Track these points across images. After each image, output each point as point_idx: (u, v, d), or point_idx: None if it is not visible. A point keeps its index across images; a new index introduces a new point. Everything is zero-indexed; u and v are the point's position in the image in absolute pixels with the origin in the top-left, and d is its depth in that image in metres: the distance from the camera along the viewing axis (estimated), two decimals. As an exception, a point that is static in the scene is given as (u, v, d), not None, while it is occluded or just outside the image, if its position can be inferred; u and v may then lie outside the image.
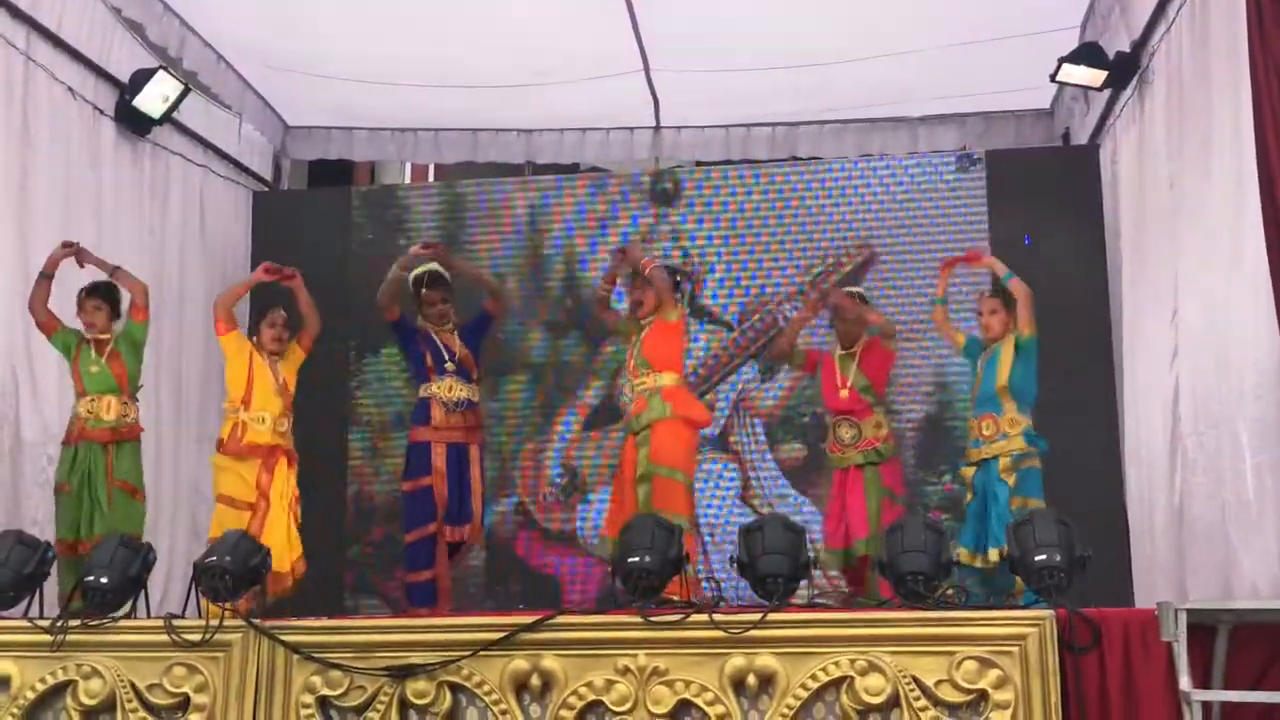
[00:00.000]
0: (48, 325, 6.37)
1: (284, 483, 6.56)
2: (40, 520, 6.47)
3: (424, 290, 6.90)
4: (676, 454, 6.48)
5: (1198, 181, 6.25)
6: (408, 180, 11.71)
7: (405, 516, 6.89)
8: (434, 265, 7.02)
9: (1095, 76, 7.78)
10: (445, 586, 6.71)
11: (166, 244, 8.38)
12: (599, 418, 9.11)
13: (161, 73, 7.89)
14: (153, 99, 7.91)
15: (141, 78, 7.84)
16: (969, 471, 6.52)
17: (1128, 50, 7.51)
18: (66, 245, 6.44)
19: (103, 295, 6.46)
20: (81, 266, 6.49)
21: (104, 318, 6.43)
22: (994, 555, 6.04)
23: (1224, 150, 5.68)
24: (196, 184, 8.90)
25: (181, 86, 8.02)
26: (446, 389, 6.74)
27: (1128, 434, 7.73)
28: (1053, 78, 7.95)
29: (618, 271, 7.04)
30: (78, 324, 6.46)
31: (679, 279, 7.10)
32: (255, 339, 6.83)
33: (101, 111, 7.76)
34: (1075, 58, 7.76)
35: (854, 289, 7.28)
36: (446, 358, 6.77)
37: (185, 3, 7.97)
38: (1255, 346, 5.18)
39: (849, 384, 6.71)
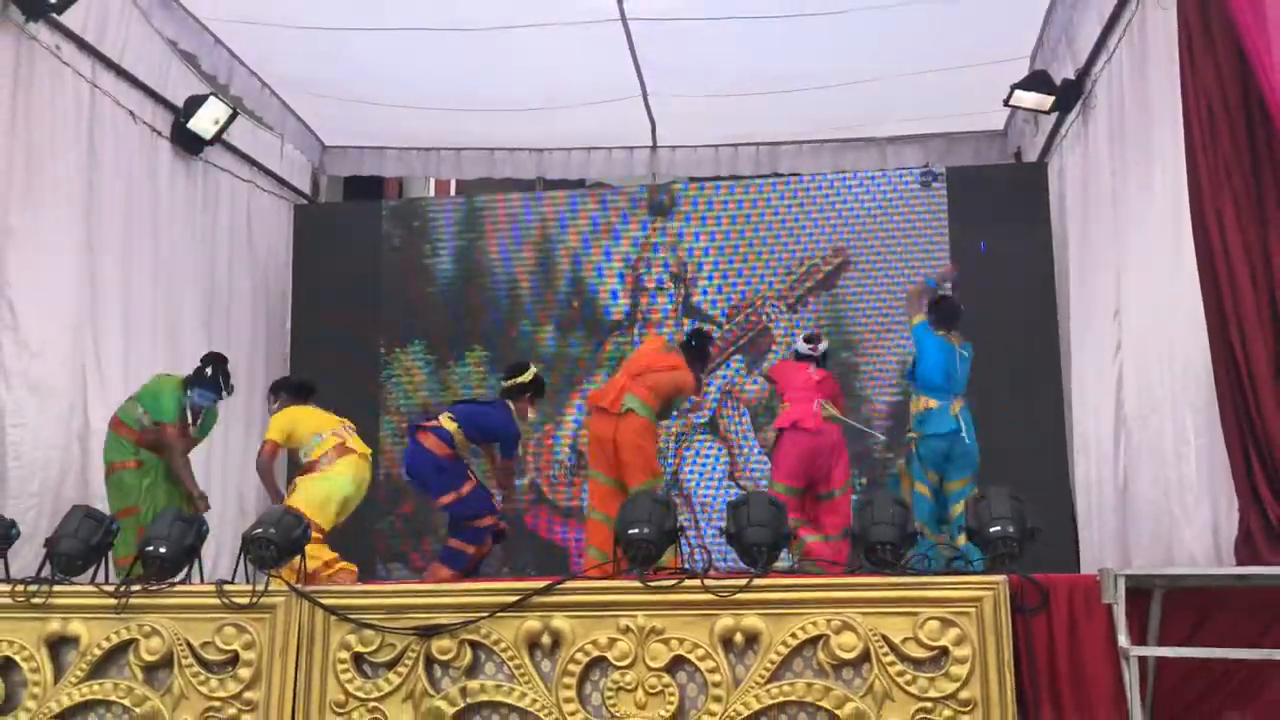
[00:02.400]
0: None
1: None
2: (105, 499, 6.48)
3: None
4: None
5: (1139, 193, 6.25)
6: (432, 194, 11.72)
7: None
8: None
9: (1044, 101, 7.79)
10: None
11: (217, 251, 8.39)
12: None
13: (212, 99, 7.91)
14: (204, 122, 7.94)
15: (194, 103, 7.87)
16: None
17: (1073, 77, 7.52)
18: None
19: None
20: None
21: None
22: None
23: (1165, 166, 5.68)
24: (244, 198, 8.91)
25: (230, 111, 8.04)
26: None
27: (1076, 421, 7.73)
28: (1006, 102, 7.95)
29: None
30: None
31: None
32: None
33: (159, 133, 7.78)
34: (1026, 84, 7.77)
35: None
36: None
37: (234, 36, 7.98)
38: (1191, 344, 5.16)
39: None
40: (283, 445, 6.59)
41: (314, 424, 6.57)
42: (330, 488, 6.35)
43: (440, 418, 6.66)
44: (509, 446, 6.83)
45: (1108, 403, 6.87)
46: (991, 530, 4.37)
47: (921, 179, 9.00)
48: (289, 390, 6.94)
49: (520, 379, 6.82)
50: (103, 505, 5.91)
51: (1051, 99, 7.73)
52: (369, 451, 6.67)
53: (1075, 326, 7.78)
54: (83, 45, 6.91)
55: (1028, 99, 7.84)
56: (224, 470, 8.08)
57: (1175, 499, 5.67)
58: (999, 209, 8.69)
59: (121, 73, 7.30)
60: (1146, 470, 6.14)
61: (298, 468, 6.71)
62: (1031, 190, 8.61)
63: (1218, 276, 4.71)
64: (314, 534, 5.67)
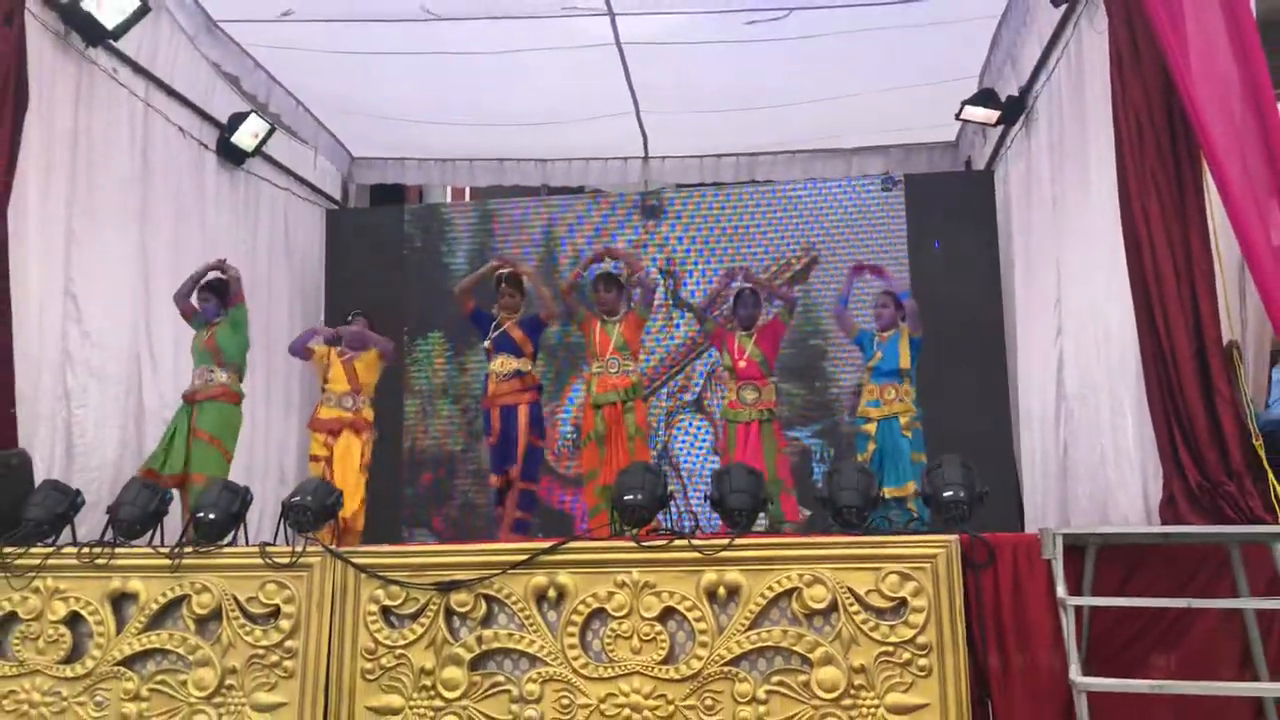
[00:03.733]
0: (186, 312, 6.47)
1: (345, 447, 6.59)
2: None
3: (504, 285, 6.86)
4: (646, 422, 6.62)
5: (1076, 196, 6.24)
6: (449, 200, 11.69)
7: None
8: (516, 268, 7.03)
9: (991, 115, 7.77)
10: (506, 520, 6.64)
11: (257, 252, 8.37)
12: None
13: (253, 115, 7.88)
14: (246, 136, 7.91)
15: (237, 119, 7.84)
16: (871, 427, 6.49)
17: (1016, 94, 7.50)
18: (218, 261, 6.53)
19: (210, 288, 6.47)
20: (225, 274, 6.50)
21: (212, 306, 6.44)
22: (912, 486, 6.08)
23: (1099, 171, 5.68)
24: (281, 204, 8.88)
25: (269, 126, 8.02)
26: (499, 365, 6.70)
27: (1021, 399, 7.71)
28: (957, 116, 7.93)
29: (588, 265, 6.99)
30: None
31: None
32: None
33: (205, 146, 7.74)
34: (975, 100, 7.76)
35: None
36: (494, 337, 6.75)
37: (272, 60, 7.96)
38: (1125, 330, 5.14)
39: (746, 356, 6.63)
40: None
41: None
42: None
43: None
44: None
45: (1049, 382, 6.86)
46: (945, 495, 4.39)
47: (883, 185, 8.99)
48: None
49: None
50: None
51: (998, 113, 7.72)
52: None
53: (1020, 315, 7.77)
54: (137, 68, 6.88)
55: (976, 113, 7.83)
56: (266, 446, 8.09)
57: (1112, 467, 5.67)
58: (951, 211, 8.70)
59: (172, 93, 7.27)
60: (1085, 442, 6.13)
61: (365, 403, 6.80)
62: (980, 194, 8.61)
63: (1145, 269, 4.72)
64: None
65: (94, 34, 6.32)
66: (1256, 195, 4.29)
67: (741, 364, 6.61)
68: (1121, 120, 4.90)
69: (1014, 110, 7.57)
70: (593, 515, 6.49)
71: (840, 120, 8.72)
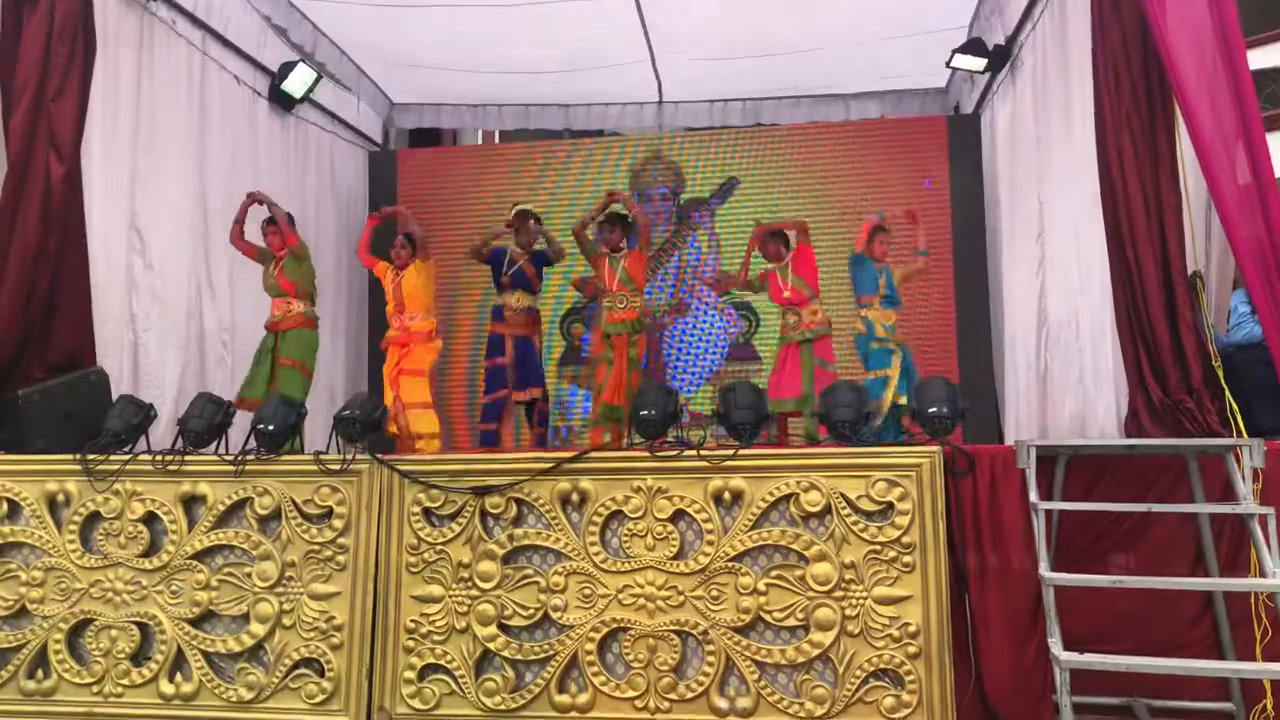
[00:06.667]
0: (247, 252, 6.29)
1: (413, 360, 6.21)
2: (216, 387, 6.51)
3: (525, 219, 6.68)
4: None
5: (1059, 138, 6.16)
6: (479, 142, 11.60)
7: (485, 384, 6.85)
8: (528, 208, 6.82)
9: (979, 63, 7.66)
10: (502, 433, 6.67)
11: (306, 191, 8.35)
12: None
13: (301, 64, 7.81)
14: (295, 84, 7.84)
15: (286, 68, 7.77)
16: (895, 346, 6.26)
17: (1003, 43, 7.38)
18: (250, 195, 6.29)
19: (273, 223, 6.29)
20: (262, 205, 6.27)
21: (277, 240, 6.25)
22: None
23: (1078, 114, 5.60)
24: (328, 147, 8.83)
25: (315, 75, 7.94)
26: (515, 300, 6.63)
27: (1006, 324, 7.61)
28: (947, 64, 7.82)
29: (599, 211, 6.71)
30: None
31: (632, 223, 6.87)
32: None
33: (258, 94, 7.69)
34: (964, 49, 7.64)
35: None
36: (511, 273, 6.66)
37: (318, 13, 7.88)
38: (1101, 260, 5.09)
39: (789, 285, 6.53)
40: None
41: None
42: None
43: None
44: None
45: (1031, 309, 6.82)
46: (930, 410, 4.40)
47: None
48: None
49: None
50: (219, 392, 5.93)
51: (985, 61, 7.60)
52: None
53: (1006, 247, 7.71)
54: (194, 20, 6.82)
55: (966, 61, 7.71)
56: (317, 366, 8.12)
57: (1091, 383, 5.66)
58: (942, 151, 8.60)
59: (226, 43, 7.20)
60: (1068, 361, 6.10)
61: (417, 317, 6.30)
62: (969, 137, 8.50)
63: (1118, 204, 4.69)
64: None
65: (154, -12, 6.26)
66: (1224, 137, 4.25)
67: (786, 294, 6.42)
68: (1100, 66, 4.82)
69: (1001, 58, 7.45)
70: (593, 426, 6.51)
71: (840, 68, 8.60)
